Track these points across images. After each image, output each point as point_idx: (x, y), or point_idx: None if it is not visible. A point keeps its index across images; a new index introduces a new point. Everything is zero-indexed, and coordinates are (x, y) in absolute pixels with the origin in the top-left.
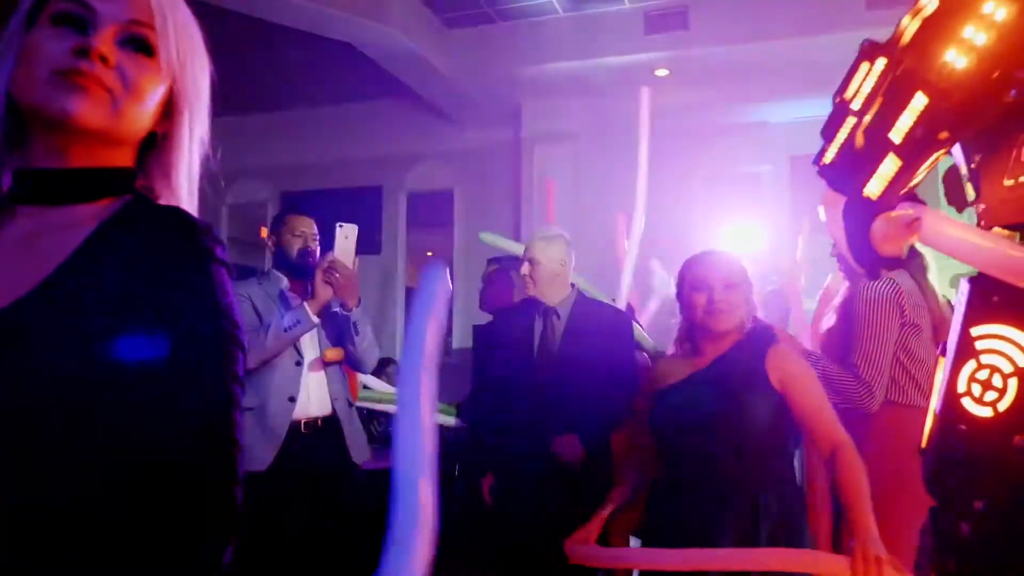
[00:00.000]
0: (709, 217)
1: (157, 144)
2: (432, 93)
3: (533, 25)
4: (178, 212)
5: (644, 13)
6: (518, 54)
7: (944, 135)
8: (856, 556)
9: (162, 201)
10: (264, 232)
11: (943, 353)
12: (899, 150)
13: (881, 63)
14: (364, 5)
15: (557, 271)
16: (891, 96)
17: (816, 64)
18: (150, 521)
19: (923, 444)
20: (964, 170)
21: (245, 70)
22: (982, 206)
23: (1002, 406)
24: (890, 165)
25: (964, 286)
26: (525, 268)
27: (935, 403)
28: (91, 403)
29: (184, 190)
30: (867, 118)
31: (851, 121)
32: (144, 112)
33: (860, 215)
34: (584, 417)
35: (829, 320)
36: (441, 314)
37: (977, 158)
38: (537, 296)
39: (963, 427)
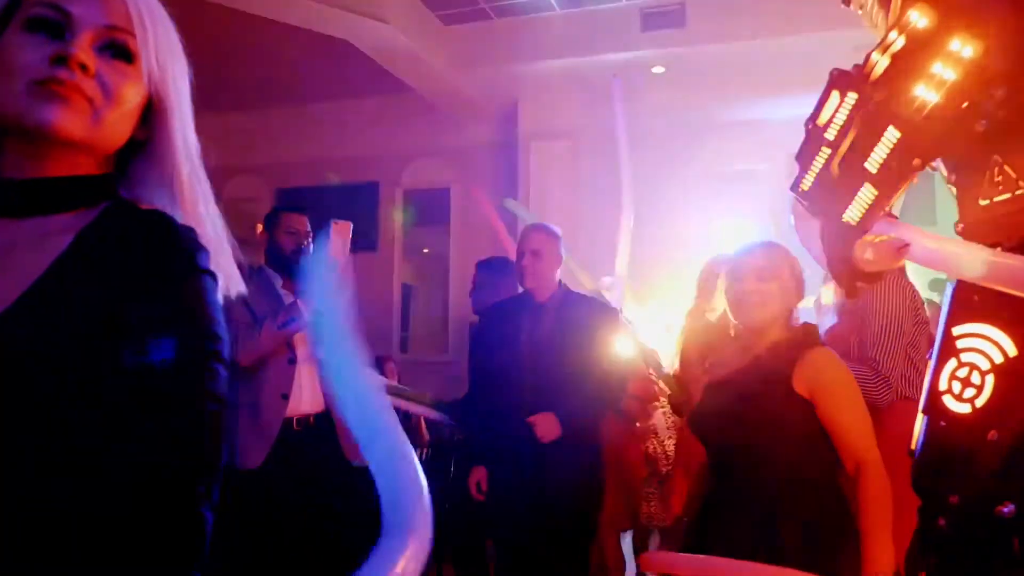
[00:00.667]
0: (706, 214)
1: (141, 151)
2: (429, 90)
3: (530, 22)
4: (159, 217)
5: (641, 10)
6: (515, 51)
7: (917, 162)
8: None
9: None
10: (259, 229)
11: (929, 356)
12: (875, 179)
13: (852, 97)
14: (361, 1)
15: (555, 266)
16: (865, 129)
17: (814, 61)
18: (118, 534)
19: (912, 446)
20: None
21: (241, 66)
22: (960, 225)
23: (979, 402)
24: (867, 193)
25: (949, 288)
26: (528, 259)
27: (922, 403)
28: (68, 418)
29: (190, 197)
30: (842, 149)
31: (826, 152)
32: (125, 120)
33: (839, 238)
34: (567, 403)
35: (829, 320)
36: (340, 270)
37: (952, 178)
38: (532, 288)
39: (943, 424)
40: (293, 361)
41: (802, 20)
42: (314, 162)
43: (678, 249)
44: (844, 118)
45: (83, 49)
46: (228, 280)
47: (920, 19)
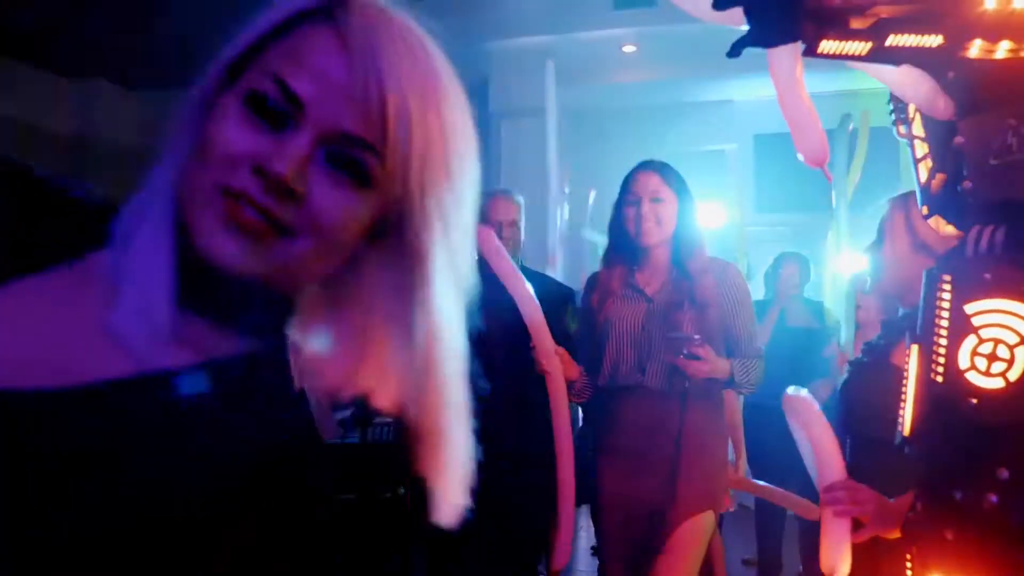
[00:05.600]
0: None
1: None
2: None
3: None
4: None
5: None
6: (485, 27)
7: None
8: None
9: (364, 382)
10: None
11: (915, 341)
12: None
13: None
14: None
15: (521, 240)
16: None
17: None
18: None
19: (906, 433)
20: (921, 152)
21: (206, 43)
22: (968, 184)
23: (1012, 375)
24: None
25: (932, 275)
26: (508, 231)
27: (911, 390)
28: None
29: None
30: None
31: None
32: (335, 253)
33: None
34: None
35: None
36: None
37: (960, 140)
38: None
39: (974, 400)
40: None
41: None
42: None
43: None
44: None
45: (296, 163)
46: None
47: None
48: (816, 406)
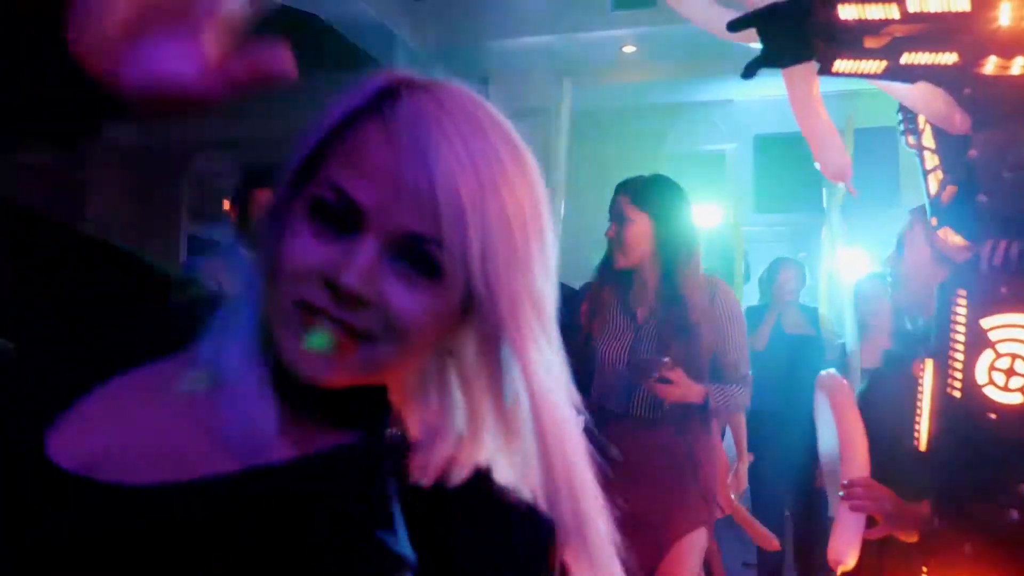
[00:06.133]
0: None
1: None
2: (398, 66)
3: None
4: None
5: None
6: (486, 28)
7: None
8: None
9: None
10: (227, 204)
11: (929, 355)
12: None
13: None
14: None
15: None
16: None
17: None
18: None
19: (923, 447)
20: (931, 164)
21: None
22: (983, 197)
23: None
24: None
25: (946, 289)
26: None
27: (927, 404)
28: None
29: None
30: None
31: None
32: (417, 350)
33: None
34: None
35: None
36: None
37: (974, 153)
38: None
39: (993, 416)
40: None
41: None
42: (284, 138)
43: None
44: None
45: (365, 274)
46: None
47: None
48: (852, 398)
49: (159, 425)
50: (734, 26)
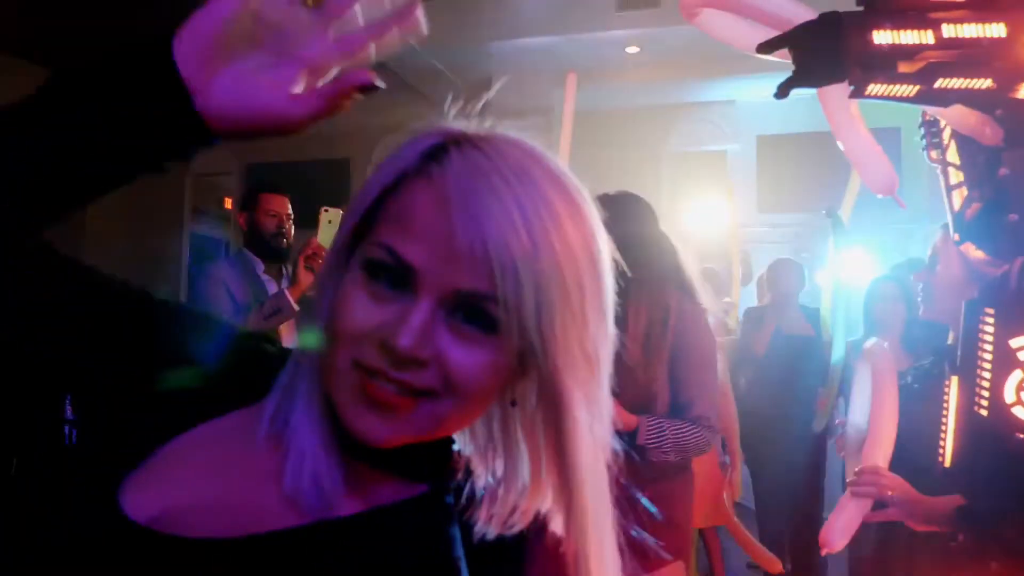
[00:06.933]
0: (676, 194)
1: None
2: (401, 64)
3: None
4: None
5: None
6: (489, 27)
7: None
8: None
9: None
10: (228, 203)
11: (954, 372)
12: None
13: None
14: None
15: None
16: None
17: None
18: None
19: (947, 463)
20: (955, 179)
21: None
22: (1015, 216)
23: None
24: None
25: (973, 307)
26: None
27: (952, 422)
28: None
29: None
30: None
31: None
32: (476, 406)
33: None
34: None
35: None
36: None
37: (1004, 171)
38: None
39: (1021, 435)
40: None
41: None
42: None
43: None
44: None
45: (420, 335)
46: None
47: None
48: (894, 375)
49: (226, 480)
50: (765, 48)
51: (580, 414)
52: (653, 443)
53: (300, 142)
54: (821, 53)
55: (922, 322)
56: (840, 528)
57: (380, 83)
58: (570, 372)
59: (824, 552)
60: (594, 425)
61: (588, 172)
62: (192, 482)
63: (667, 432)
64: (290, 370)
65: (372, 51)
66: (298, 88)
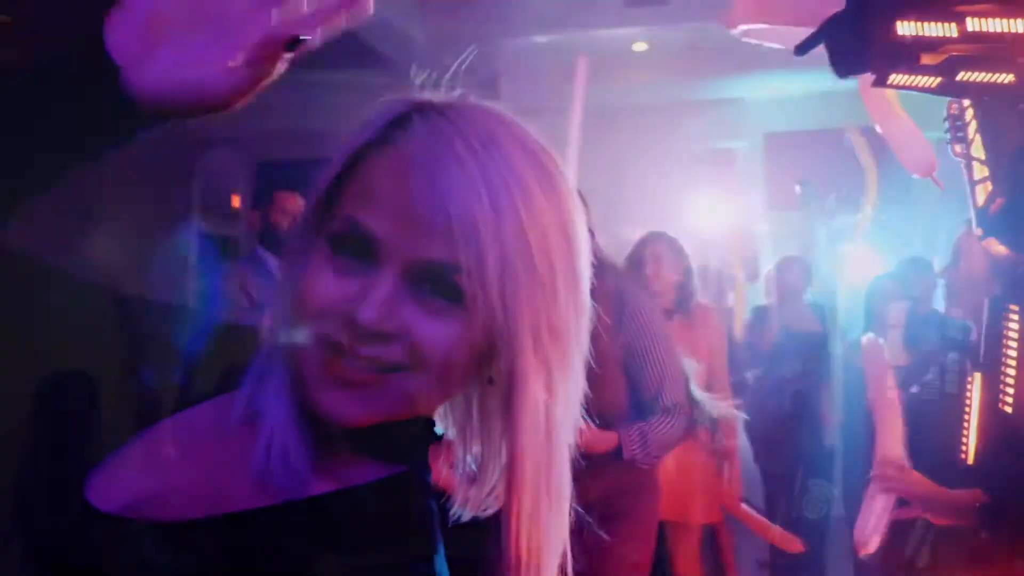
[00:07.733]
0: (683, 192)
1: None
2: (409, 63)
3: None
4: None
5: None
6: (497, 25)
7: None
8: None
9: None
10: (236, 201)
11: (977, 369)
12: None
13: None
14: None
15: None
16: None
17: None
18: None
19: (969, 460)
20: (979, 174)
21: None
22: None
23: None
24: None
25: (996, 304)
26: None
27: (975, 419)
28: None
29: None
30: None
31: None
32: (448, 383)
33: None
34: None
35: None
36: None
37: None
38: None
39: None
40: None
41: None
42: (295, 135)
43: (653, 225)
44: None
45: (384, 307)
46: None
47: None
48: (889, 371)
49: (199, 466)
50: (801, 50)
51: (534, 391)
52: (639, 452)
53: (310, 140)
54: (849, 45)
55: (923, 319)
56: (872, 527)
57: (307, 35)
58: (533, 346)
59: (861, 553)
60: (553, 406)
61: (598, 170)
62: (165, 470)
63: (648, 436)
64: (263, 354)
65: (316, 34)
66: (234, 60)
